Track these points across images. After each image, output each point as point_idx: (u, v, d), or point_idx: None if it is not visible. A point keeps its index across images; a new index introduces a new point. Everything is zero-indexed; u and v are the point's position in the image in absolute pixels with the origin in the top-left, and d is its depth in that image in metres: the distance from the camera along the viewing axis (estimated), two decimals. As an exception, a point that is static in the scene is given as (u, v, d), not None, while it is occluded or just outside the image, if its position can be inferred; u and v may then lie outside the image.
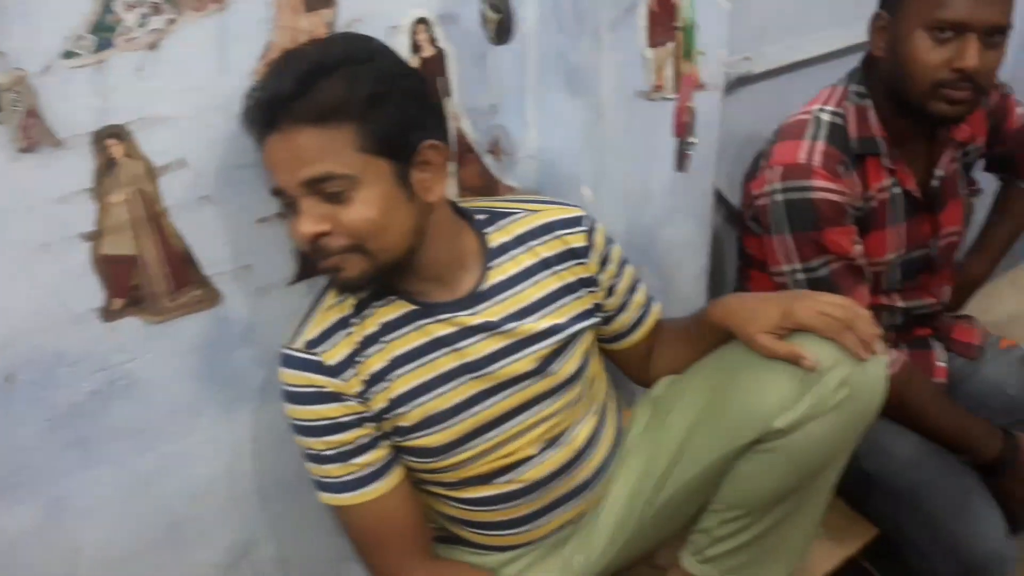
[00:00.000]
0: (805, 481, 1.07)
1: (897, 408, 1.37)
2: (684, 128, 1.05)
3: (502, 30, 1.13)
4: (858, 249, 1.34)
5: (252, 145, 1.00)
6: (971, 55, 1.19)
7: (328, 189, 0.90)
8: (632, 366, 1.26)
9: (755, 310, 1.06)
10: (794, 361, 1.01)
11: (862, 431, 1.07)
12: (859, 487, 1.43)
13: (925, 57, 1.22)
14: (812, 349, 1.01)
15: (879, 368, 1.03)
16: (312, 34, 1.01)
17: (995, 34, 1.21)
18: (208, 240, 1.02)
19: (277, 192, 0.93)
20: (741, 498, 1.09)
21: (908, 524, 1.38)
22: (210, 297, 1.05)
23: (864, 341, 1.01)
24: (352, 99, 0.89)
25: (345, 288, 1.00)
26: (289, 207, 0.94)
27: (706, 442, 1.09)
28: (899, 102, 1.30)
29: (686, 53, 1.02)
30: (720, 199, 1.76)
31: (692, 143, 1.10)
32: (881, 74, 1.32)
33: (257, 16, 0.96)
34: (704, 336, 1.16)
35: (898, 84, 1.28)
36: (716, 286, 1.82)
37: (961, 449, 1.39)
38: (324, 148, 0.88)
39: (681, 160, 1.11)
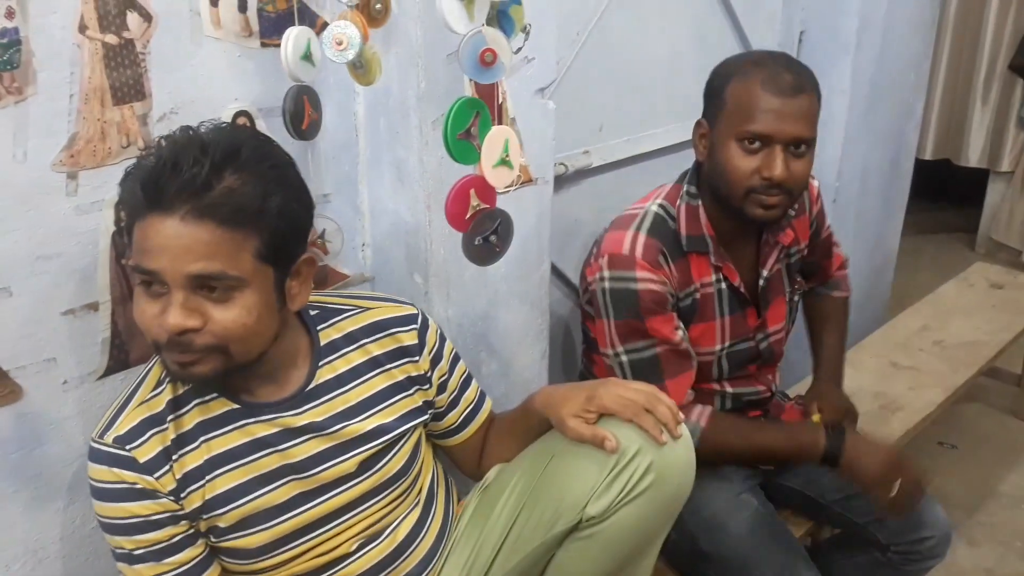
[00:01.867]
0: (624, 564, 1.09)
1: (718, 452, 1.42)
2: (468, 224, 1.10)
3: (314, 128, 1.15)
4: (680, 335, 1.39)
5: (52, 237, 0.98)
6: (777, 165, 1.28)
7: (213, 287, 0.89)
8: (465, 461, 1.27)
9: (565, 396, 1.10)
10: (598, 444, 1.04)
11: (674, 513, 1.10)
12: (696, 563, 1.47)
13: (736, 165, 1.30)
14: (617, 432, 1.04)
15: (684, 450, 1.07)
16: (124, 126, 1.02)
17: (800, 145, 1.30)
18: (7, 333, 0.99)
19: (145, 272, 0.89)
20: None
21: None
22: (9, 392, 1.01)
23: (663, 424, 1.05)
24: (264, 208, 0.90)
25: (188, 381, 0.98)
26: (149, 288, 0.90)
27: (527, 531, 1.10)
28: (721, 203, 1.39)
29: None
30: (569, 285, 1.82)
31: (492, 241, 1.15)
32: (704, 177, 1.40)
33: (59, 107, 0.96)
34: (529, 424, 1.19)
35: (717, 188, 1.36)
36: (568, 368, 1.87)
37: (792, 457, 1.45)
38: (223, 248, 0.88)
39: (482, 256, 1.15)
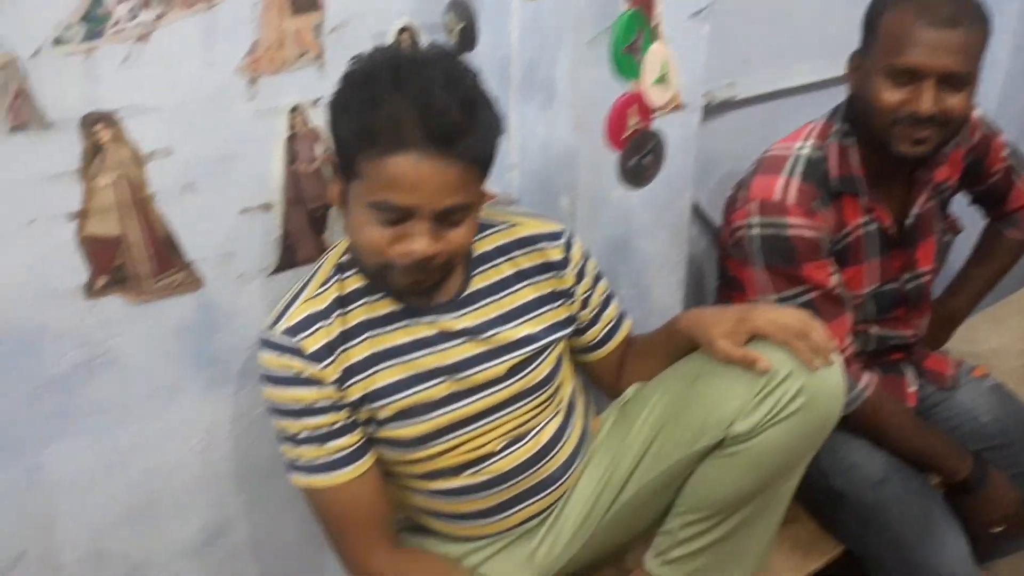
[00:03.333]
0: (765, 486, 1.10)
1: (869, 427, 1.40)
2: (624, 144, 1.11)
3: (466, 39, 1.18)
4: (834, 280, 1.37)
5: (233, 139, 1.05)
6: (925, 100, 1.23)
7: (455, 216, 0.97)
8: (603, 377, 1.30)
9: (714, 317, 1.12)
10: (749, 365, 1.04)
11: (820, 438, 1.10)
12: (827, 504, 1.46)
13: (883, 98, 1.26)
14: (768, 355, 1.05)
15: (835, 377, 1.07)
16: (299, 36, 1.07)
17: (954, 80, 1.24)
18: (192, 227, 1.07)
19: (395, 208, 0.94)
20: (703, 501, 1.12)
21: (873, 542, 1.40)
22: (192, 281, 1.09)
23: (816, 350, 1.04)
24: (494, 145, 1.00)
25: (413, 295, 1.06)
26: (389, 221, 0.96)
27: (669, 444, 1.13)
28: (871, 140, 1.34)
29: (632, 73, 1.08)
30: (703, 219, 1.80)
31: (644, 164, 1.16)
32: (856, 113, 1.36)
33: (244, 15, 1.02)
34: (672, 346, 1.20)
35: (865, 123, 1.32)
36: (698, 303, 1.86)
37: (932, 468, 1.42)
38: (467, 182, 0.96)
39: (633, 177, 1.16)
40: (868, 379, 1.39)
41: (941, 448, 1.41)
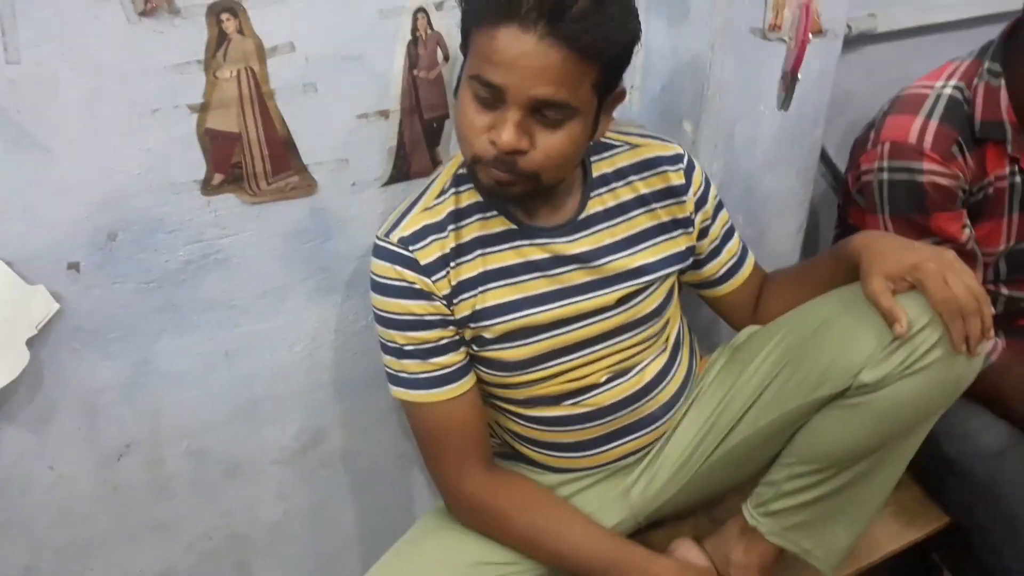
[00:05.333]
0: (885, 443, 1.03)
1: (991, 395, 1.32)
2: (800, 64, 1.02)
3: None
4: (967, 233, 1.27)
5: (356, 39, 1.01)
6: None
7: (549, 114, 0.89)
8: (735, 315, 1.23)
9: (891, 251, 1.01)
10: (888, 319, 0.97)
11: (952, 397, 1.03)
12: (937, 472, 1.38)
13: None
14: (913, 310, 0.96)
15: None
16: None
17: None
18: (309, 128, 1.04)
19: (487, 84, 0.88)
20: (815, 453, 1.06)
21: (983, 516, 1.32)
22: (306, 185, 1.07)
23: (970, 337, 0.95)
24: (617, 43, 0.89)
25: (497, 198, 1.01)
26: (484, 100, 0.90)
27: (786, 390, 1.07)
28: None
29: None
30: (827, 162, 1.70)
31: (798, 80, 1.07)
32: (1020, 50, 1.23)
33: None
34: (832, 269, 1.11)
35: None
36: (807, 253, 1.77)
37: None
38: (571, 76, 0.86)
39: (787, 98, 1.08)
40: (993, 343, 1.30)
41: None
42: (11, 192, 0.91)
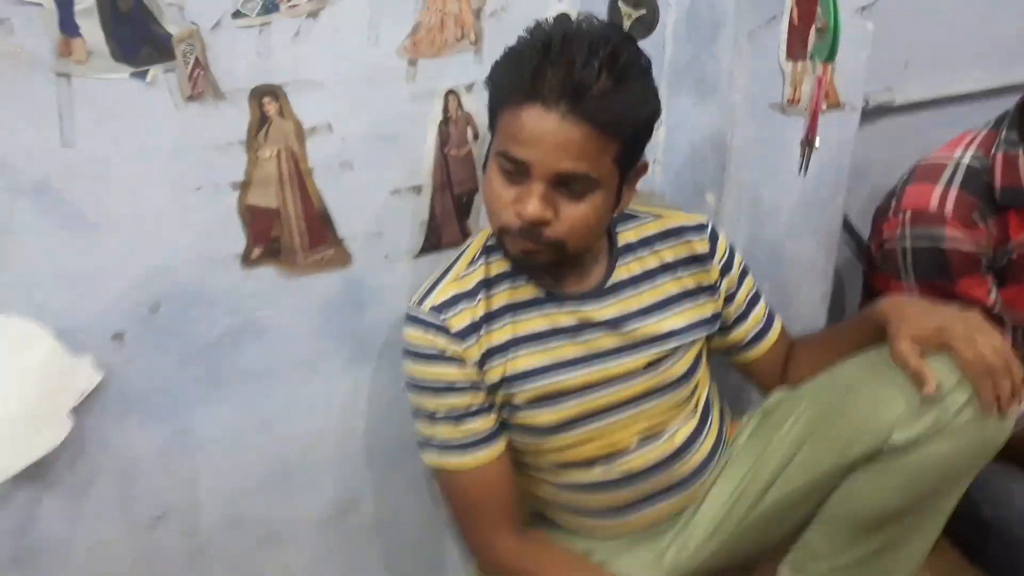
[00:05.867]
0: (917, 504, 1.03)
1: None
2: (815, 132, 1.06)
3: (644, 27, 1.16)
4: (993, 297, 1.28)
5: (390, 119, 1.06)
6: None
7: (573, 186, 0.93)
8: (764, 379, 1.24)
9: (917, 314, 1.03)
10: (917, 379, 0.98)
11: (986, 457, 1.03)
12: (976, 535, 1.37)
13: None
14: (942, 372, 0.97)
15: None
16: (460, 19, 1.07)
17: None
18: (345, 204, 1.08)
19: (513, 160, 0.92)
20: (849, 515, 1.06)
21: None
22: (341, 258, 1.11)
23: (1001, 398, 0.96)
24: (637, 121, 0.94)
25: (525, 268, 1.04)
26: (510, 173, 0.94)
27: (818, 451, 1.07)
28: None
29: (829, 55, 1.03)
30: (849, 230, 1.73)
31: (815, 148, 1.11)
32: None
33: (410, -5, 1.02)
34: (858, 333, 1.12)
35: None
36: (833, 320, 1.78)
37: None
38: (591, 150, 0.91)
39: (804, 164, 1.12)
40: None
41: None
42: (61, 267, 0.95)
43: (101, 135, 0.92)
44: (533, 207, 0.92)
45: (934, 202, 1.27)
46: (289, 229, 1.06)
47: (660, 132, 1.32)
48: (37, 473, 1.03)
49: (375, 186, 1.10)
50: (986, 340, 0.96)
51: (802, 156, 1.18)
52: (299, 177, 1.04)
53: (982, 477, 1.29)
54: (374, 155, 1.08)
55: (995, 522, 1.33)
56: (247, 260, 1.05)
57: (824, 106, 1.27)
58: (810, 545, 1.10)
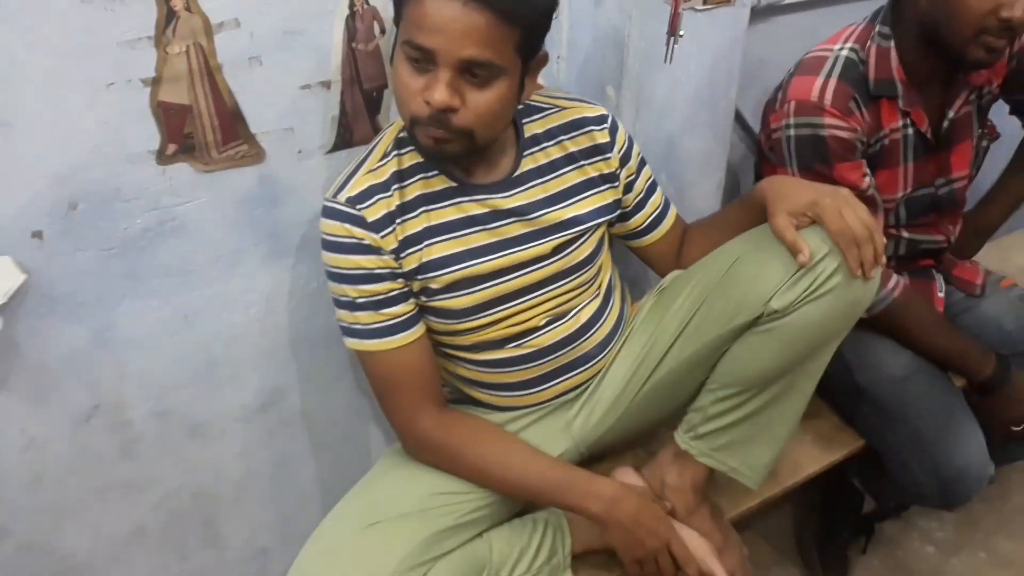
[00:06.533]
0: (796, 363, 1.15)
1: (895, 327, 1.45)
2: (675, 24, 1.15)
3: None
4: (867, 181, 1.39)
5: (297, 14, 1.08)
6: (1019, 5, 1.21)
7: (478, 73, 0.97)
8: (660, 263, 1.34)
9: (792, 191, 1.13)
10: (792, 250, 1.08)
11: (852, 319, 1.15)
12: (850, 399, 1.52)
13: (972, 3, 1.24)
14: (814, 241, 1.08)
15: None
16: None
17: None
18: (256, 100, 1.11)
19: (418, 48, 0.95)
20: (735, 377, 1.17)
21: (893, 437, 1.46)
22: (255, 154, 1.14)
23: (864, 263, 1.07)
24: (536, 8, 0.98)
25: (436, 158, 1.08)
26: (416, 62, 0.97)
27: (706, 322, 1.17)
28: (930, 45, 1.34)
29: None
30: (743, 126, 1.82)
31: (680, 36, 1.20)
32: (916, 14, 1.34)
33: None
34: (743, 214, 1.22)
35: (937, 27, 1.30)
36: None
37: (955, 368, 1.47)
38: (495, 39, 0.95)
39: (669, 53, 1.21)
40: (896, 281, 1.43)
41: (965, 348, 1.45)
42: (-25, 165, 0.96)
43: (5, 31, 0.92)
44: (440, 93, 0.96)
45: (815, 92, 1.36)
46: (202, 125, 1.08)
47: (563, 29, 1.36)
48: (-36, 373, 1.05)
49: (284, 81, 1.12)
50: (851, 212, 1.07)
51: (667, 46, 1.25)
52: (209, 73, 1.06)
53: (855, 346, 1.44)
54: (282, 51, 1.10)
55: (867, 388, 1.47)
56: (162, 156, 1.07)
57: (714, 3, 1.34)
58: (702, 408, 1.21)
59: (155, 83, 1.03)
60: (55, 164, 1.01)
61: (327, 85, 1.16)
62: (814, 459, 1.50)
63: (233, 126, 1.10)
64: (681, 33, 1.22)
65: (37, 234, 1.03)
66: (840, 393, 1.52)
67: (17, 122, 0.96)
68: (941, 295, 1.59)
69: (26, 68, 0.94)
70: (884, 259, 1.10)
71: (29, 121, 0.97)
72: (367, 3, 1.14)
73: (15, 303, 1.05)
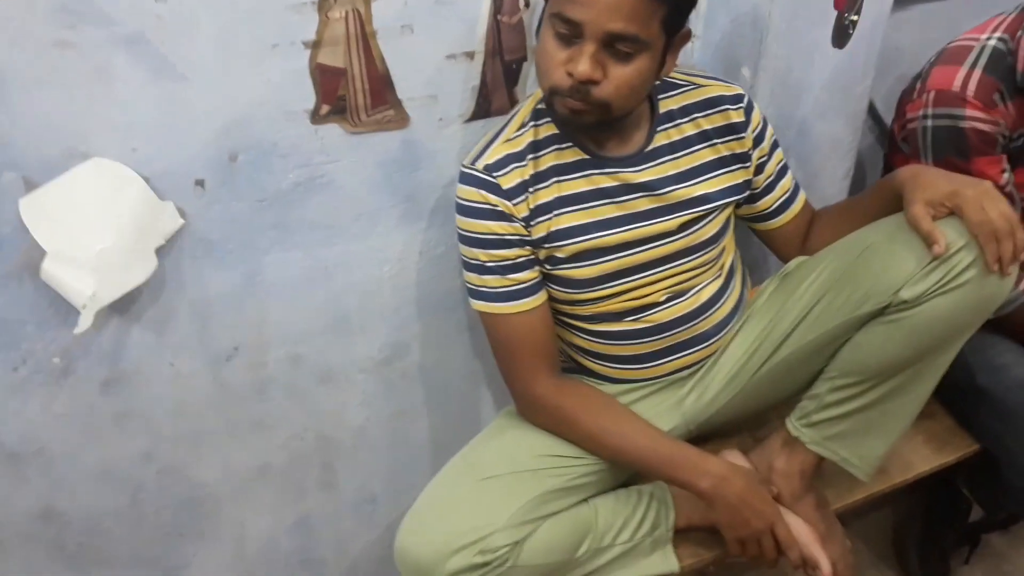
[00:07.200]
0: (920, 357, 1.14)
1: None
2: (844, 3, 1.12)
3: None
4: (1006, 177, 1.35)
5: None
6: None
7: (621, 47, 0.99)
8: (785, 248, 1.33)
9: (931, 180, 1.11)
10: (927, 240, 1.07)
11: (983, 315, 1.13)
12: (969, 401, 1.48)
13: None
14: (951, 232, 1.06)
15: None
16: None
17: None
18: (405, 66, 1.15)
19: (567, 20, 0.98)
20: (855, 366, 1.17)
21: (1011, 441, 1.42)
22: (400, 119, 1.19)
23: (1002, 259, 1.05)
24: None
25: (573, 127, 1.12)
26: (563, 36, 1.00)
27: (832, 308, 1.17)
28: None
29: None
30: (874, 116, 1.78)
31: (854, 20, 1.17)
32: None
33: None
34: (878, 200, 1.21)
35: None
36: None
37: None
38: (642, 12, 0.97)
39: (839, 36, 1.18)
40: None
41: None
42: (153, 115, 1.04)
43: (188, -8, 0.99)
44: (584, 65, 0.99)
45: (957, 83, 1.33)
46: (354, 88, 1.14)
47: (702, 6, 1.37)
48: (125, 307, 1.15)
49: (432, 50, 1.16)
50: (993, 205, 1.05)
51: (835, 29, 1.22)
52: (364, 38, 1.11)
53: (980, 347, 1.41)
54: (433, 19, 1.14)
55: (989, 390, 1.44)
56: (316, 116, 1.13)
57: (860, -12, 1.32)
58: (818, 396, 1.21)
59: (315, 46, 1.09)
60: (222, 118, 1.08)
61: (471, 55, 1.20)
62: (925, 459, 1.48)
63: (382, 91, 1.16)
64: (854, 17, 1.19)
65: (200, 182, 1.11)
66: (959, 394, 1.49)
67: (192, 77, 1.04)
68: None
69: (205, 27, 1.01)
70: (1023, 257, 1.07)
71: (203, 76, 1.04)
72: (515, -24, 1.17)
73: (174, 246, 1.13)
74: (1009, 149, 1.37)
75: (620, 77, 1.02)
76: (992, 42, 1.36)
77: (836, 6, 1.11)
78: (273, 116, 1.11)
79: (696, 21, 1.36)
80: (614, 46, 1.00)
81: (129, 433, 1.25)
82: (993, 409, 1.44)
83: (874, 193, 1.23)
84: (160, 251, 1.12)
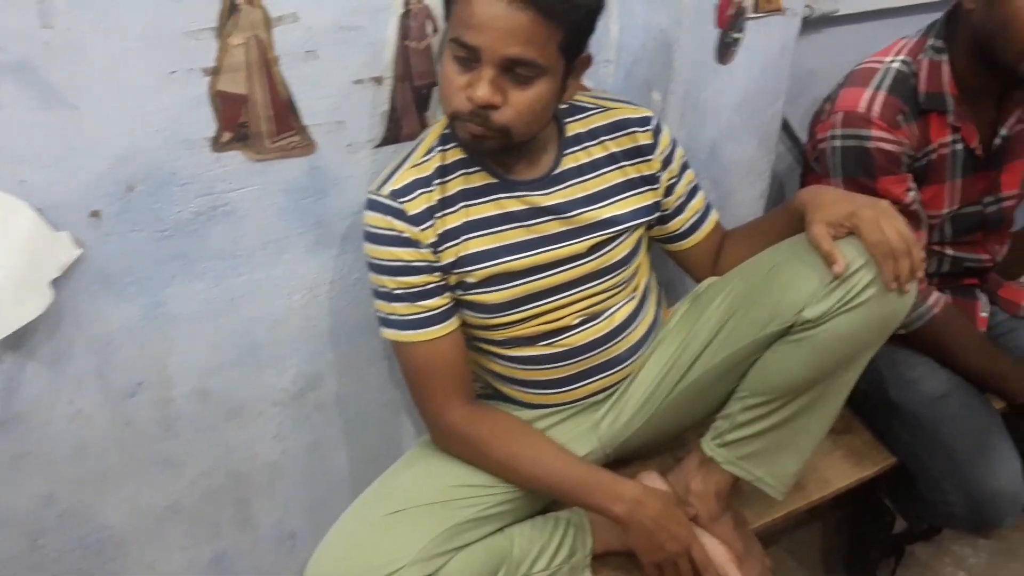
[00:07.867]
0: (826, 374, 1.15)
1: (934, 345, 1.44)
2: (726, 21, 1.16)
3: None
4: (911, 196, 1.39)
5: (353, 11, 1.11)
6: None
7: (520, 72, 0.99)
8: (697, 267, 1.34)
9: (831, 201, 1.13)
10: (828, 260, 1.08)
11: (885, 332, 1.15)
12: (884, 415, 1.51)
13: None
14: (850, 252, 1.08)
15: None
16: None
17: None
18: (310, 92, 1.14)
19: (464, 46, 0.98)
20: (765, 385, 1.17)
21: (926, 455, 1.45)
22: (306, 145, 1.17)
23: (900, 277, 1.07)
24: (580, 8, 1.00)
25: (475, 152, 1.12)
26: (462, 61, 1.00)
27: (738, 329, 1.18)
28: (982, 59, 1.33)
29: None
30: (791, 137, 1.82)
31: (736, 38, 1.21)
32: (969, 29, 1.34)
33: None
34: (782, 222, 1.22)
35: (990, 41, 1.30)
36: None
37: (994, 389, 1.45)
38: (538, 37, 0.97)
39: (723, 53, 1.21)
40: (936, 298, 1.42)
41: (1005, 369, 1.44)
42: (42, 145, 1.00)
43: (78, 16, 0.96)
44: (483, 90, 0.99)
45: (863, 104, 1.36)
46: (256, 115, 1.12)
47: (612, 32, 1.38)
48: (20, 342, 1.10)
49: (338, 76, 1.15)
50: (890, 224, 1.07)
51: (718, 43, 1.25)
52: (266, 64, 1.09)
53: (892, 362, 1.43)
54: (338, 45, 1.12)
55: (901, 404, 1.47)
56: (217, 144, 1.11)
57: (768, 9, 1.35)
58: (730, 416, 1.22)
59: (215, 73, 1.06)
60: (117, 147, 1.04)
61: (379, 80, 1.18)
62: (844, 474, 1.49)
63: (286, 117, 1.14)
64: (736, 35, 1.22)
65: (95, 213, 1.07)
66: (874, 409, 1.52)
67: (83, 104, 1.00)
68: (984, 315, 1.57)
69: (96, 54, 0.98)
70: (921, 274, 1.09)
71: (94, 104, 1.01)
72: (421, 2, 1.16)
73: (70, 279, 1.09)
74: (914, 168, 1.41)
75: (520, 102, 1.02)
76: (896, 65, 1.40)
77: (719, 24, 1.15)
78: (171, 144, 1.08)
79: (608, 46, 1.37)
80: (513, 71, 1.00)
81: (27, 475, 1.20)
82: (905, 423, 1.47)
83: (779, 213, 1.25)
84: (56, 284, 1.08)
